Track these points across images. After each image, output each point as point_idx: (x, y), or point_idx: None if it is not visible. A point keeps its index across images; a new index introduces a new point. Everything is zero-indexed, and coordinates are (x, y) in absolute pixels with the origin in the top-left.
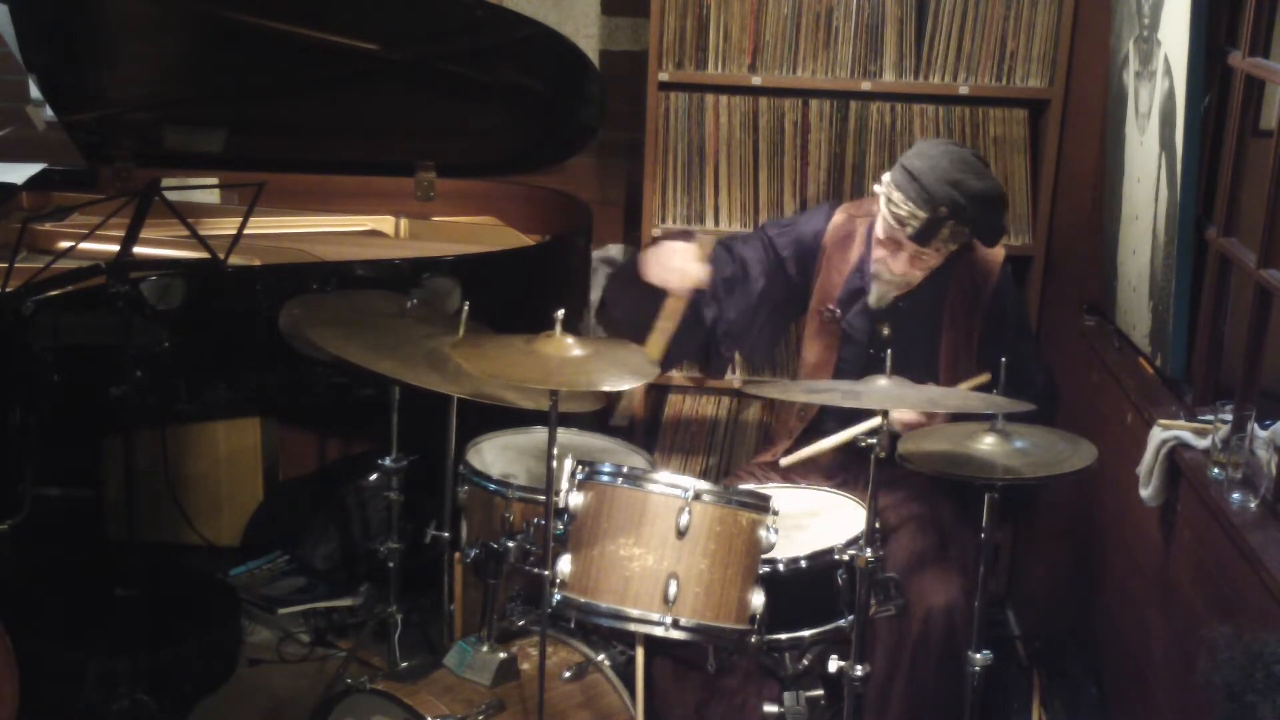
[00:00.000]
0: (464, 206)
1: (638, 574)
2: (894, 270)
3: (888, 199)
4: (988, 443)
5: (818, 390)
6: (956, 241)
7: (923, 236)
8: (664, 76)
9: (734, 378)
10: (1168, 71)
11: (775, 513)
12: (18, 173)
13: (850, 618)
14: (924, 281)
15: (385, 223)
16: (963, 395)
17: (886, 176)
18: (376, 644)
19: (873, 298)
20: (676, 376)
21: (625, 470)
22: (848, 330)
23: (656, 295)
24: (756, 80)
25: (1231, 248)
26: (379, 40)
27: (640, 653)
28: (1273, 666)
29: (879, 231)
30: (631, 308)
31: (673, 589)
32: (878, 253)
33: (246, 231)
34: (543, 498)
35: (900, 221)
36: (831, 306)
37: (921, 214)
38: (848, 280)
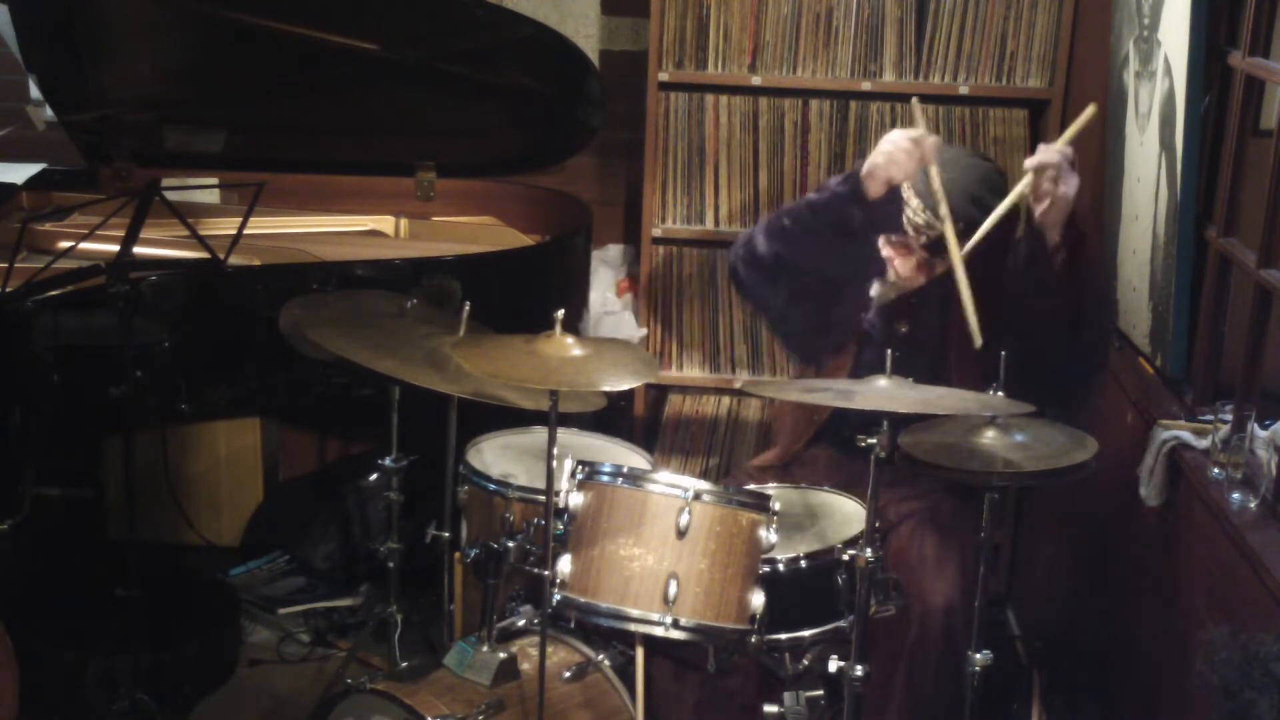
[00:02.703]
0: (464, 206)
1: (638, 574)
2: (900, 272)
3: (906, 202)
4: (988, 436)
5: (813, 390)
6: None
7: (936, 247)
8: (664, 76)
9: (734, 378)
10: (1168, 71)
11: (775, 513)
12: (18, 173)
13: (850, 618)
14: (936, 279)
15: (385, 223)
16: (959, 396)
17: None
18: (376, 644)
19: (874, 293)
20: (676, 376)
21: (625, 470)
22: (867, 329)
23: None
24: (756, 80)
25: (1231, 248)
26: (379, 40)
27: (640, 653)
28: (1270, 664)
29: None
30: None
31: (673, 589)
32: (886, 251)
33: (246, 231)
34: (543, 498)
35: (916, 229)
36: None
37: (939, 225)
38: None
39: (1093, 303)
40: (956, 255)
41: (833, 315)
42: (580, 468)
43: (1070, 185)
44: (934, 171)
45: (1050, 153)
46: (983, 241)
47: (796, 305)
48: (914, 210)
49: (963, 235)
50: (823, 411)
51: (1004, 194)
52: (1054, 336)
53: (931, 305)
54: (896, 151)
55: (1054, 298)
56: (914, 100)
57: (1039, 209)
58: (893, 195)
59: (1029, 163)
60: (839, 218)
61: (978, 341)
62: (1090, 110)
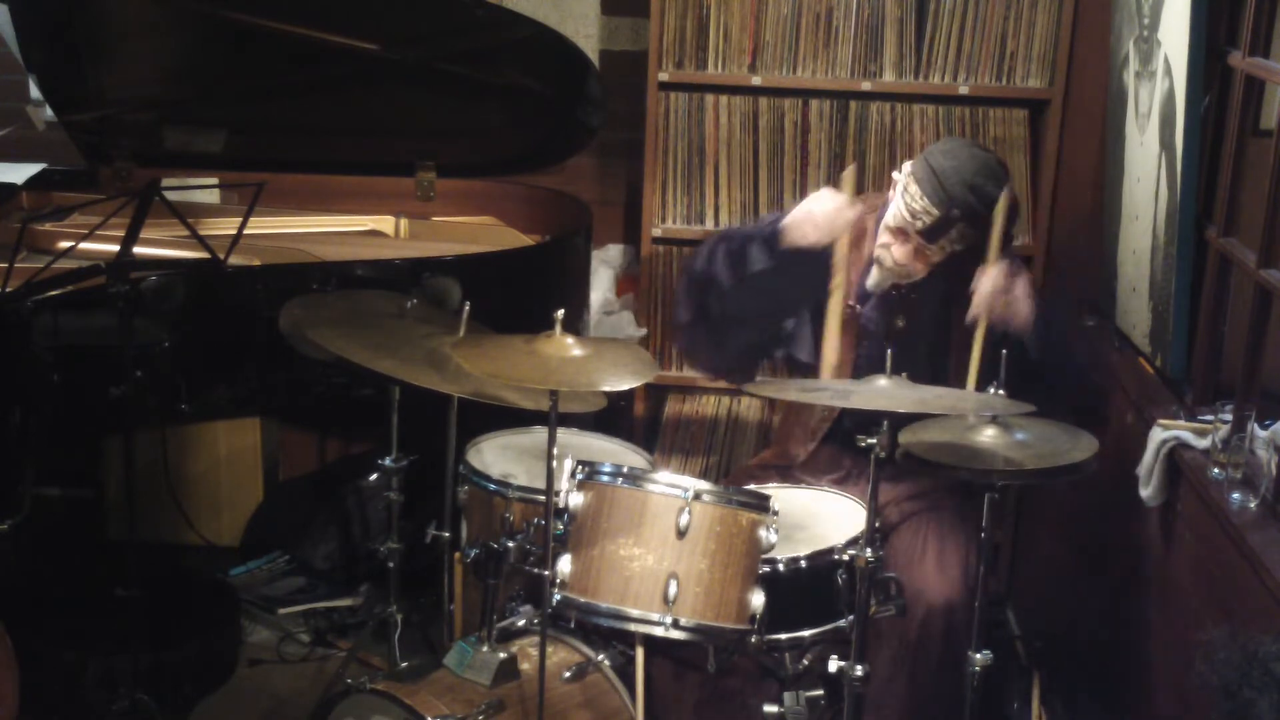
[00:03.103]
0: (464, 206)
1: (638, 574)
2: (896, 259)
3: (905, 188)
4: (989, 434)
5: (811, 389)
6: (963, 244)
7: (931, 234)
8: (664, 76)
9: None
10: (1168, 71)
11: (775, 513)
12: (18, 173)
13: (850, 618)
14: (934, 273)
15: (385, 223)
16: (958, 396)
17: (908, 166)
18: (376, 644)
19: (870, 281)
20: (676, 376)
21: (625, 470)
22: (865, 324)
23: (791, 290)
24: (756, 80)
25: (1231, 248)
26: (380, 40)
27: (640, 653)
28: (1269, 664)
29: (889, 218)
30: (756, 311)
31: (673, 589)
32: (883, 238)
33: (246, 231)
34: (543, 498)
35: (913, 214)
36: (851, 303)
37: (935, 211)
38: (863, 276)
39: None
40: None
41: (728, 347)
42: (580, 468)
43: (1020, 297)
44: (842, 243)
45: (981, 301)
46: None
47: (704, 325)
48: (912, 196)
49: (956, 221)
50: (830, 415)
51: (1003, 183)
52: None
53: (931, 304)
54: (813, 218)
55: (1033, 382)
56: (847, 170)
57: (1010, 327)
58: (805, 258)
59: (969, 319)
60: (753, 259)
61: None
62: (1000, 207)
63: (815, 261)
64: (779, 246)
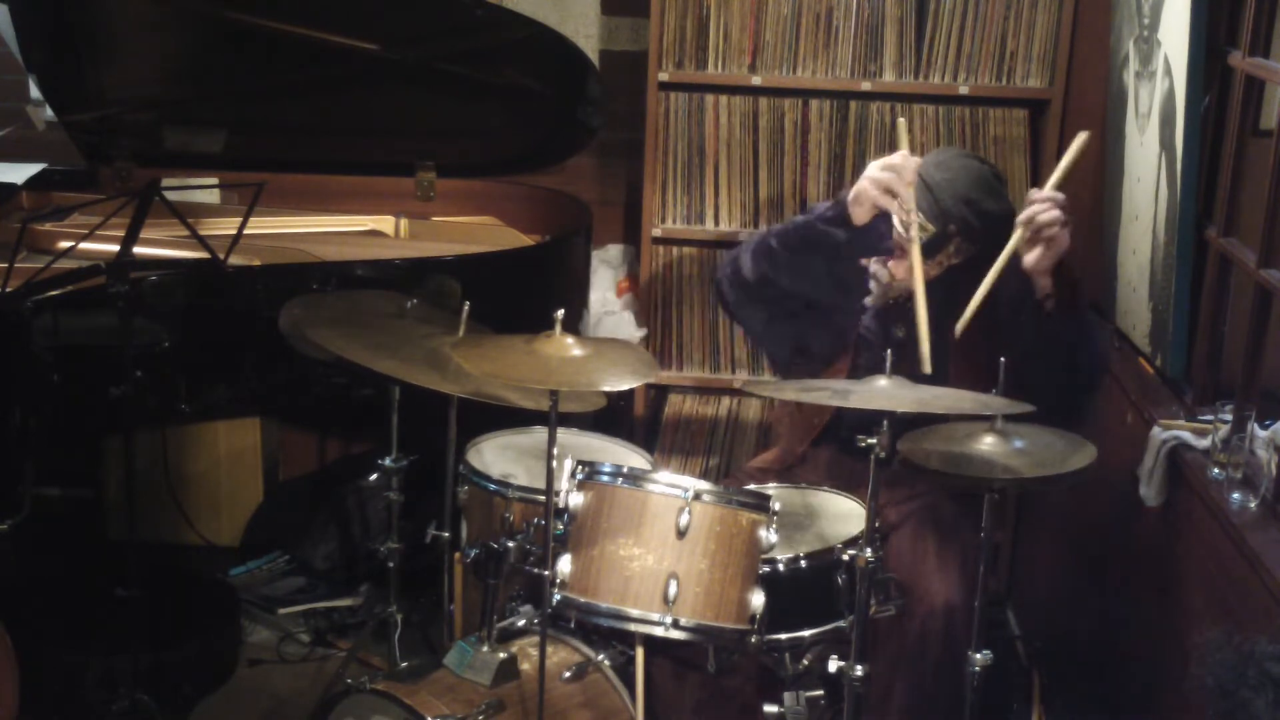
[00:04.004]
0: (464, 206)
1: (638, 574)
2: (895, 273)
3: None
4: (987, 443)
5: (810, 389)
6: (961, 257)
7: (929, 250)
8: (664, 76)
9: (734, 378)
10: (1168, 71)
11: (775, 513)
12: (18, 173)
13: (850, 618)
14: (933, 284)
15: (385, 223)
16: (956, 395)
17: None
18: (376, 644)
19: (869, 298)
20: (676, 376)
21: (625, 470)
22: (863, 334)
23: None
24: (756, 80)
25: (1231, 248)
26: (379, 40)
27: (640, 653)
28: (1265, 664)
29: None
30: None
31: (673, 589)
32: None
33: (246, 231)
34: (543, 498)
35: (910, 229)
36: None
37: (931, 228)
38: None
39: (1087, 336)
40: (920, 280)
41: (812, 339)
42: (580, 468)
43: (1065, 234)
44: (910, 194)
45: (1047, 209)
46: (983, 304)
47: (775, 327)
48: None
49: (953, 237)
50: (825, 413)
51: (1000, 196)
52: (1047, 376)
53: (930, 311)
54: (877, 180)
55: (1043, 342)
56: (900, 122)
57: (1028, 257)
58: (878, 222)
59: (1021, 216)
60: (824, 240)
61: (926, 369)
62: (1081, 139)
63: (880, 230)
64: (852, 222)
